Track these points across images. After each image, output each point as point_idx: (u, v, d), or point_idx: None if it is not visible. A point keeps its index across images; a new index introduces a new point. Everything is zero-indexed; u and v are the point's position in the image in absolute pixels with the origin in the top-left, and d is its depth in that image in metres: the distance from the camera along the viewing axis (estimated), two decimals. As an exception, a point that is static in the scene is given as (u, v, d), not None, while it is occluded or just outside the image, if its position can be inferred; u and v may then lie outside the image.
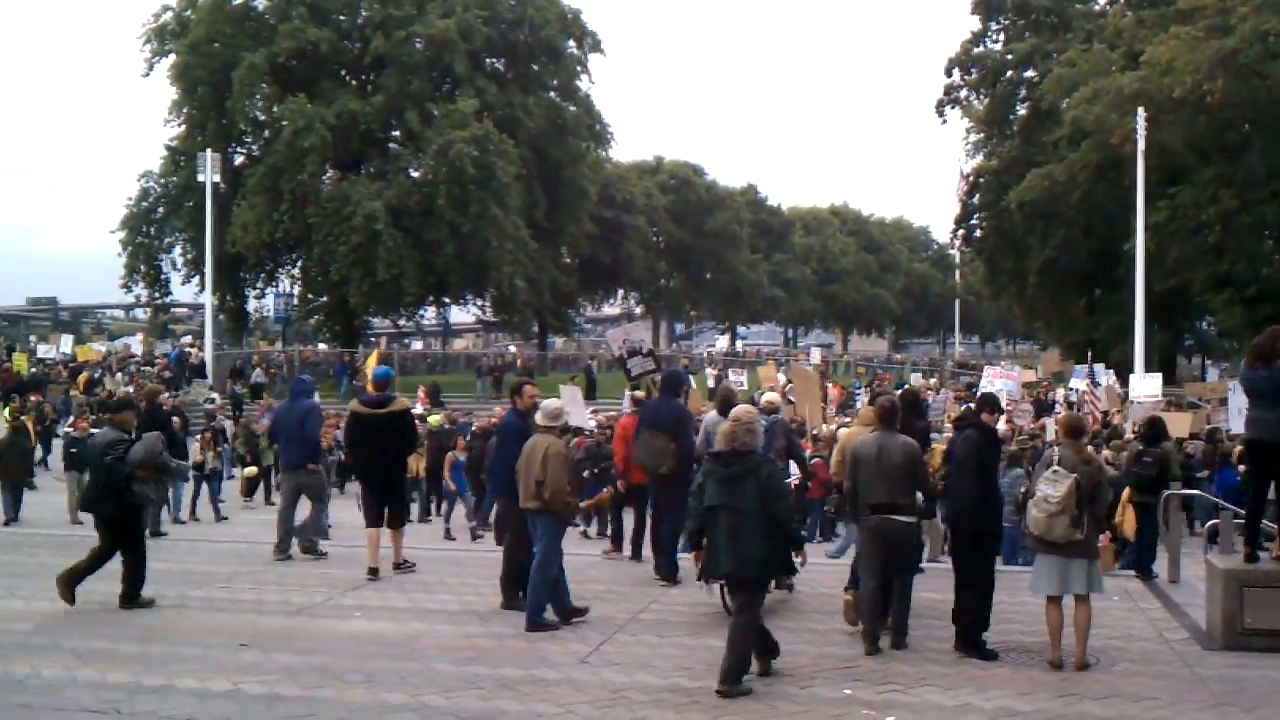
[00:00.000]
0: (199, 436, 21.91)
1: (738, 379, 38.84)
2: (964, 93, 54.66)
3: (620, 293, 78.08)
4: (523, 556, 10.48)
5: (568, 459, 10.33)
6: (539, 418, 10.34)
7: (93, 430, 17.20)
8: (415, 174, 48.17)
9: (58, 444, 24.20)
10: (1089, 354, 37.17)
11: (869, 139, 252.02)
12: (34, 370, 39.53)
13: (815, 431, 19.85)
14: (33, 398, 28.74)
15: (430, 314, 64.62)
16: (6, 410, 25.50)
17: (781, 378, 33.16)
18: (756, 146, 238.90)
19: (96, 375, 38.52)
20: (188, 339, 51.16)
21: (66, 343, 46.88)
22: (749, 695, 8.04)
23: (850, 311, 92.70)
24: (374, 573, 12.21)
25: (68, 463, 19.92)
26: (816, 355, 56.75)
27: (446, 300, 57.94)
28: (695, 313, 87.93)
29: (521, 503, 10.13)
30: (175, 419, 19.53)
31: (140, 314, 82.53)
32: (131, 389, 30.58)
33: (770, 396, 13.43)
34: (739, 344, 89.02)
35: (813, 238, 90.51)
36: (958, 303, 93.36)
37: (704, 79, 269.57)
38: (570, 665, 8.82)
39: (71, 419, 24.72)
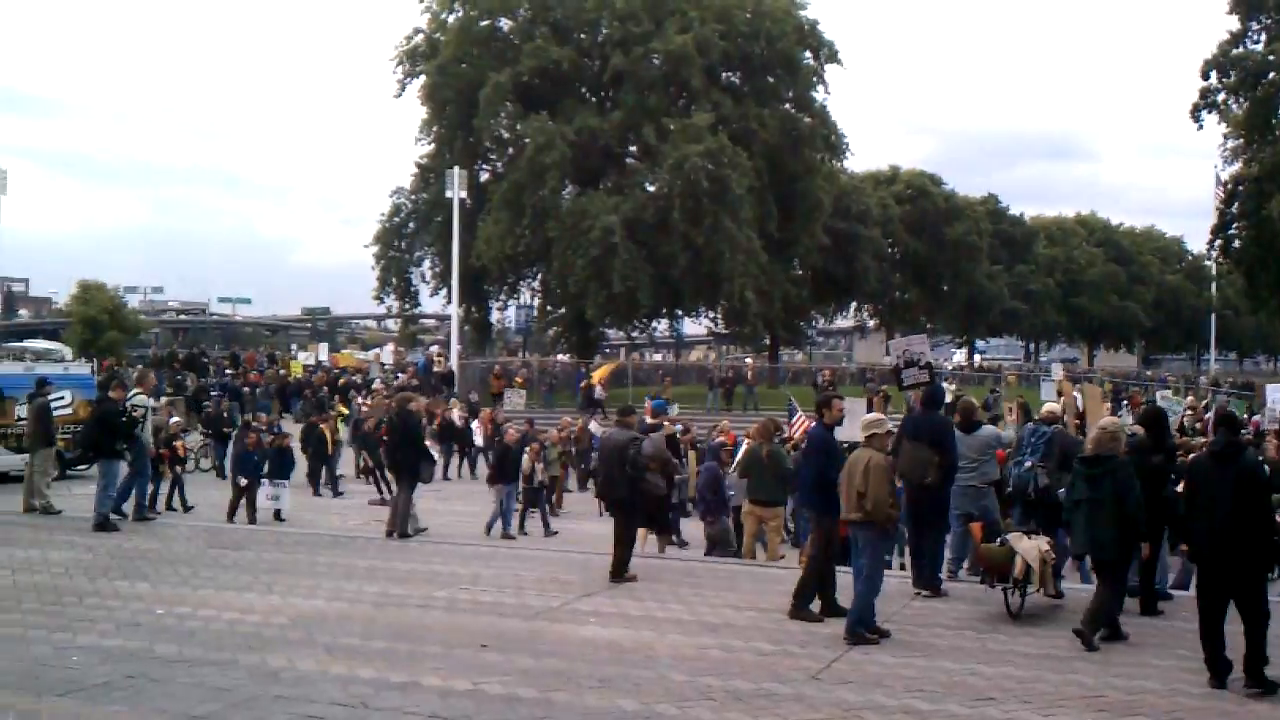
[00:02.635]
0: (528, 450, 21.66)
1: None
2: (1221, 96, 51.53)
3: (854, 305, 77.04)
4: (827, 568, 10.68)
5: (889, 471, 10.35)
6: (859, 430, 10.47)
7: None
8: (651, 188, 48.81)
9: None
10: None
11: (1118, 146, 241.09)
12: (299, 376, 42.37)
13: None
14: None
15: (663, 326, 65.31)
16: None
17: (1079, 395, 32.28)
18: (997, 155, 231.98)
19: (356, 380, 40.85)
20: (435, 349, 53.38)
21: (324, 351, 49.81)
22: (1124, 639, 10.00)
23: (1096, 325, 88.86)
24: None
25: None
26: (1059, 371, 54.49)
27: (679, 312, 58.44)
28: (931, 326, 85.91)
29: (843, 515, 10.26)
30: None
31: (391, 324, 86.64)
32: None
33: (1050, 407, 13.59)
34: (978, 358, 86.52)
35: (1057, 248, 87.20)
36: (1214, 317, 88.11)
37: (943, 87, 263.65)
38: (802, 681, 8.74)
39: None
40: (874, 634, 10.02)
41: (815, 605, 10.95)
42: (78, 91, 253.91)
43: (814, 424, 12.44)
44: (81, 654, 9.07)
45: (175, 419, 25.17)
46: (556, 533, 20.60)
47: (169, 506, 20.79)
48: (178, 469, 21.81)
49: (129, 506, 17.17)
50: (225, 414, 29.59)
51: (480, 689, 8.27)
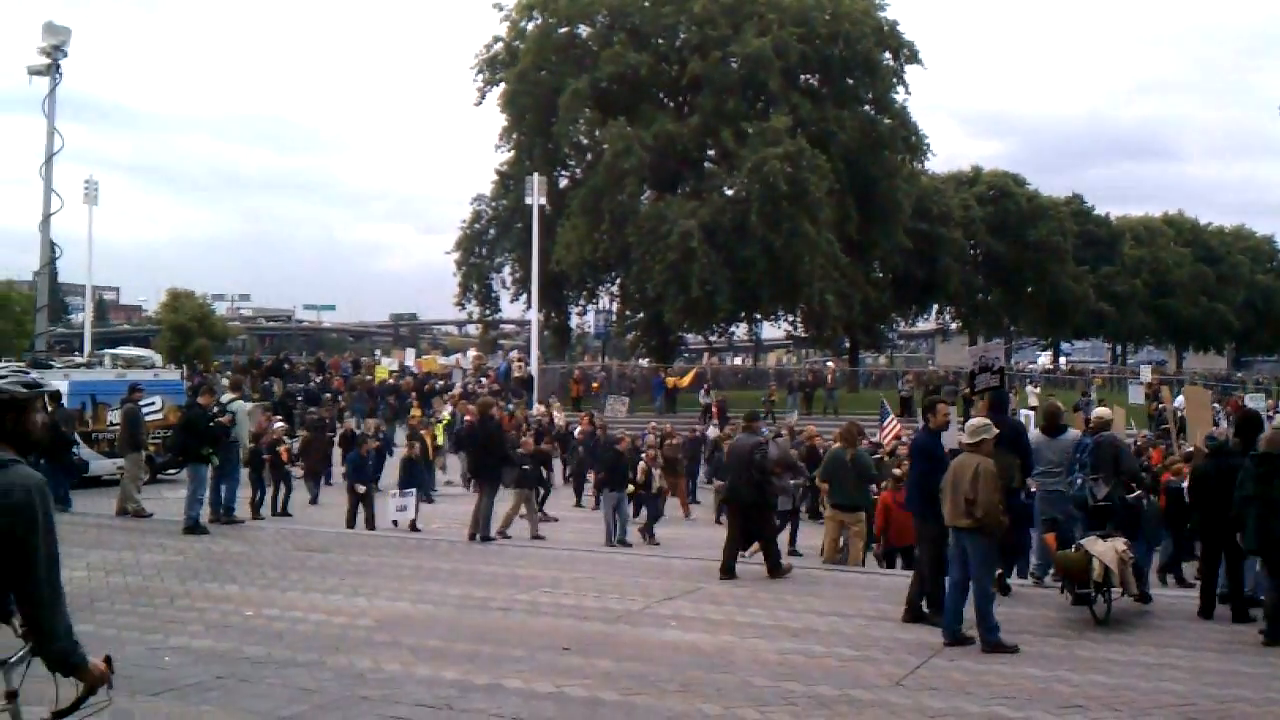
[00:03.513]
0: (643, 454, 21.69)
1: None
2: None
3: (935, 308, 76.12)
4: (935, 575, 10.63)
5: (999, 476, 10.18)
6: (964, 436, 10.36)
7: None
8: (729, 192, 48.73)
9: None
10: None
11: (1204, 144, 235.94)
12: (384, 381, 43.05)
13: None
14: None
15: (742, 330, 65.12)
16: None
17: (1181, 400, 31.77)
18: (1082, 155, 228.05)
19: (439, 385, 41.36)
20: (515, 354, 53.78)
21: (410, 356, 50.47)
22: None
23: (1185, 326, 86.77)
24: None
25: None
26: (1147, 373, 53.45)
27: (758, 316, 58.27)
28: (1015, 328, 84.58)
29: (948, 520, 10.14)
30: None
31: (471, 330, 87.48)
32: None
33: (1101, 411, 13.20)
34: (1063, 360, 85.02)
35: (1144, 249, 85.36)
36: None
37: (1026, 84, 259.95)
38: (885, 688, 8.65)
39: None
40: (1009, 646, 9.83)
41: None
42: (164, 103, 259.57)
43: (918, 429, 12.39)
44: (173, 655, 9.25)
45: (279, 424, 25.44)
46: (659, 542, 20.03)
47: (275, 512, 21.11)
48: (282, 474, 22.08)
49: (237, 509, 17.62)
50: (325, 420, 29.75)
51: (563, 692, 8.30)
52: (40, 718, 4.05)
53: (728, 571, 13.35)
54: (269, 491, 21.40)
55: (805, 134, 47.90)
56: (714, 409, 38.26)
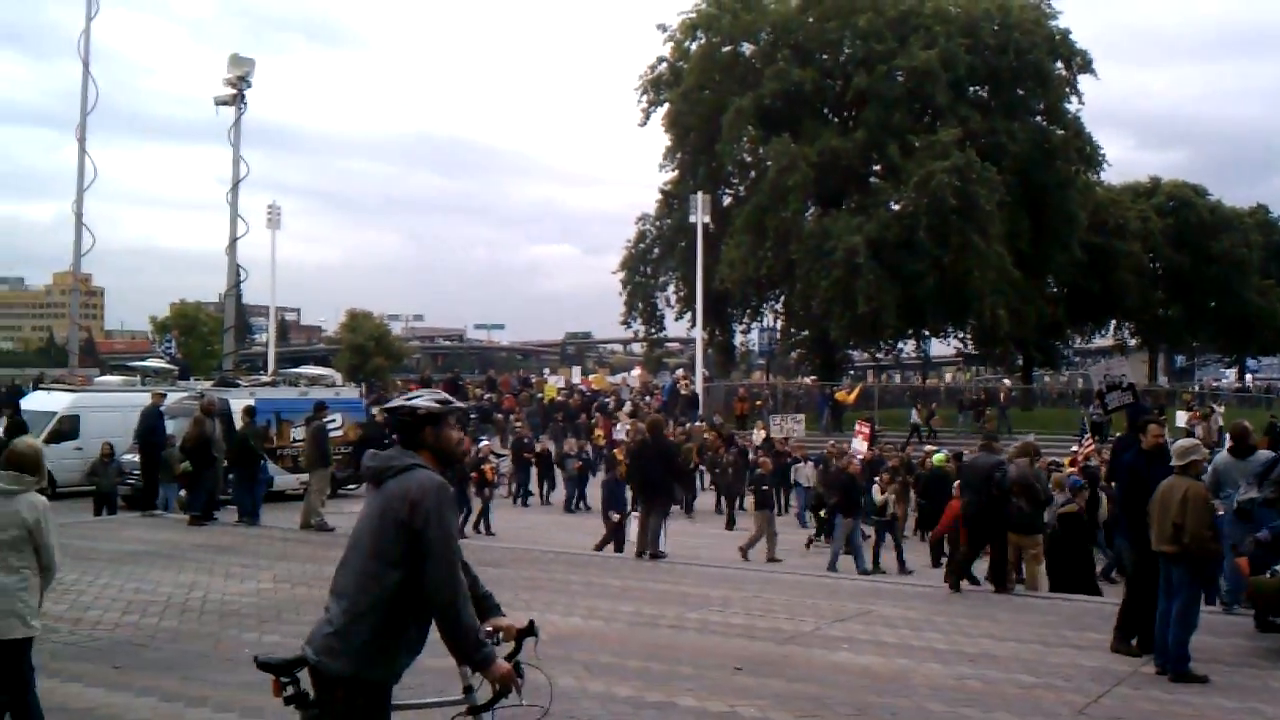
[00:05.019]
0: (878, 477, 21.25)
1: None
2: None
3: (1112, 324, 73.52)
4: (1144, 598, 10.24)
5: (1210, 501, 9.82)
6: (1174, 458, 9.93)
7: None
8: (896, 207, 48.06)
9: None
10: None
11: None
12: (553, 399, 43.83)
13: None
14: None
15: (910, 346, 64.13)
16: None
17: None
18: (1264, 165, 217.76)
19: (608, 403, 41.86)
20: (680, 372, 54.05)
21: (576, 374, 51.25)
22: None
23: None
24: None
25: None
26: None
27: (926, 333, 57.35)
28: (1197, 344, 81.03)
29: (1155, 545, 9.77)
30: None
31: (636, 348, 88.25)
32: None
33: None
34: (1249, 378, 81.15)
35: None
36: None
37: (1201, 92, 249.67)
38: (1067, 716, 8.39)
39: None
40: (1198, 676, 9.43)
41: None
42: (340, 130, 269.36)
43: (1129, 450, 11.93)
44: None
45: (484, 442, 25.94)
46: (912, 571, 19.34)
47: (475, 529, 21.61)
48: (486, 492, 22.57)
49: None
50: (525, 440, 30.14)
51: (735, 711, 8.28)
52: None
53: (957, 585, 13.85)
54: (474, 509, 21.86)
55: (974, 146, 46.94)
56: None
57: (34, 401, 26.94)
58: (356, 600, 4.31)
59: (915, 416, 41.53)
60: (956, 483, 19.55)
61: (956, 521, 15.95)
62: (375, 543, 4.34)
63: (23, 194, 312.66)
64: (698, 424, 36.59)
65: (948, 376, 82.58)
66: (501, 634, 4.73)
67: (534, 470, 28.83)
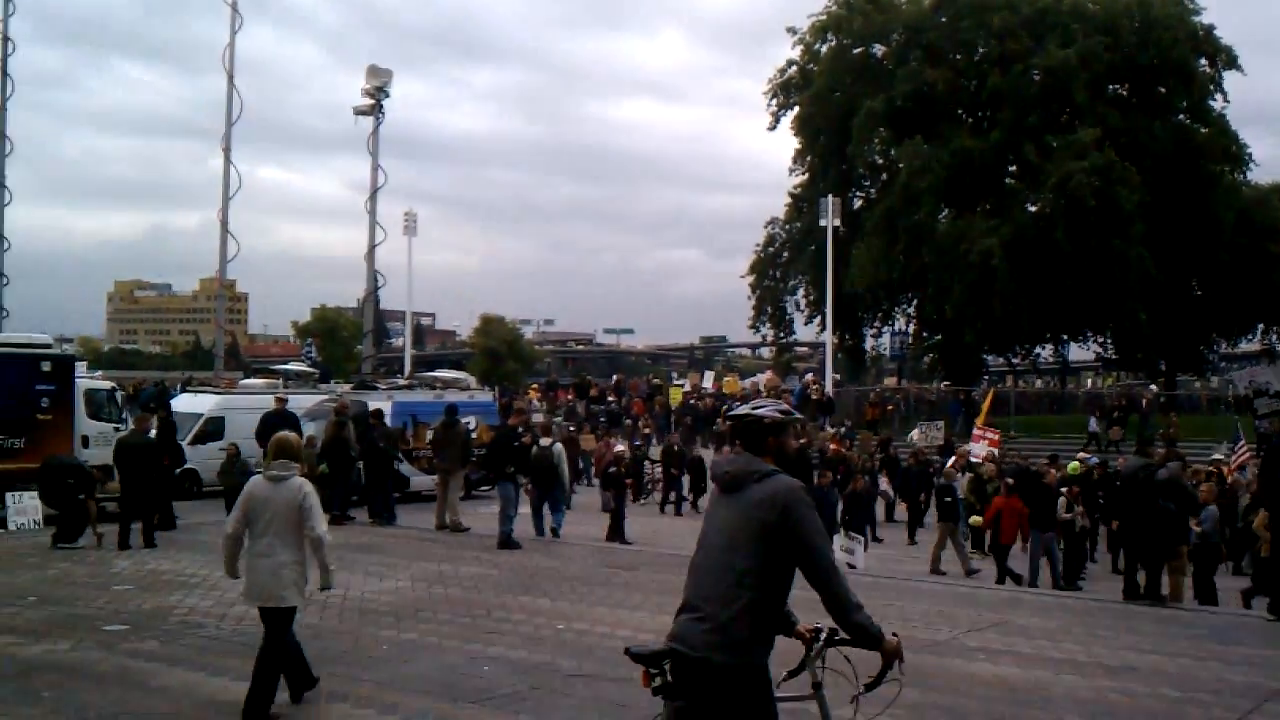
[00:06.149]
0: (1064, 491, 19.96)
1: None
2: None
3: (1260, 328, 70.73)
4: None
5: None
6: None
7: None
8: (1032, 208, 47.00)
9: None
10: None
11: None
12: (679, 404, 43.97)
13: None
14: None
15: (1047, 351, 62.64)
16: None
17: None
18: None
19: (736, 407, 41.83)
20: (810, 376, 53.64)
21: (708, 379, 51.25)
22: None
23: None
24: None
25: None
26: None
27: (1064, 337, 56.00)
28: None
29: None
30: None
31: (765, 352, 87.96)
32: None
33: None
34: None
35: None
36: None
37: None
38: (1216, 733, 8.16)
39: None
40: None
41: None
42: (477, 139, 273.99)
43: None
44: (491, 664, 9.72)
45: (620, 447, 26.01)
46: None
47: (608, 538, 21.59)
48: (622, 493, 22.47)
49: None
50: (674, 448, 29.19)
51: (867, 721, 8.20)
52: (852, 694, 5.19)
53: (1130, 595, 13.97)
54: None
55: (1114, 146, 45.56)
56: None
57: (181, 403, 27.87)
58: (731, 597, 4.64)
59: (1094, 425, 40.29)
60: (1005, 480, 19.75)
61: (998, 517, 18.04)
62: (746, 543, 4.64)
63: (172, 203, 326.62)
64: (826, 429, 36.29)
65: (1088, 382, 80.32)
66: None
67: (686, 478, 28.07)
